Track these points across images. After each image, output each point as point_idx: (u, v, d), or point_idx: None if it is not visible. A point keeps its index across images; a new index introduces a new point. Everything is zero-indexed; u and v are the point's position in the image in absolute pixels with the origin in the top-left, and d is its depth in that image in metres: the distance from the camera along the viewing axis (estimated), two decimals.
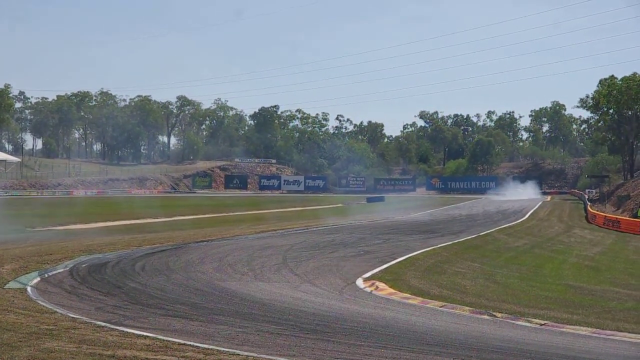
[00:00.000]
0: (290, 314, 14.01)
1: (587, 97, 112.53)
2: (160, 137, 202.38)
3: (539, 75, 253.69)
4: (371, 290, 17.99)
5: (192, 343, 10.81)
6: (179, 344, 10.76)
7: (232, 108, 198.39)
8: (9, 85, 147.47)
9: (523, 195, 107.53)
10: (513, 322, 14.23)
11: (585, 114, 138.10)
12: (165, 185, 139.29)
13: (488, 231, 38.73)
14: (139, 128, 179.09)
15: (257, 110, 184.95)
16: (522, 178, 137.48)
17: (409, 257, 25.09)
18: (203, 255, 24.39)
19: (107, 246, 27.18)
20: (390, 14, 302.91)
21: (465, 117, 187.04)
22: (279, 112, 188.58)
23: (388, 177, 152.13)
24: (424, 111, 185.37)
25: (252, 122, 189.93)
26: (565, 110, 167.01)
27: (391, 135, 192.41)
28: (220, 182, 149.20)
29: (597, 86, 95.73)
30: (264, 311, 14.29)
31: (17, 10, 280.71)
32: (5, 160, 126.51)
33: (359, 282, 19.23)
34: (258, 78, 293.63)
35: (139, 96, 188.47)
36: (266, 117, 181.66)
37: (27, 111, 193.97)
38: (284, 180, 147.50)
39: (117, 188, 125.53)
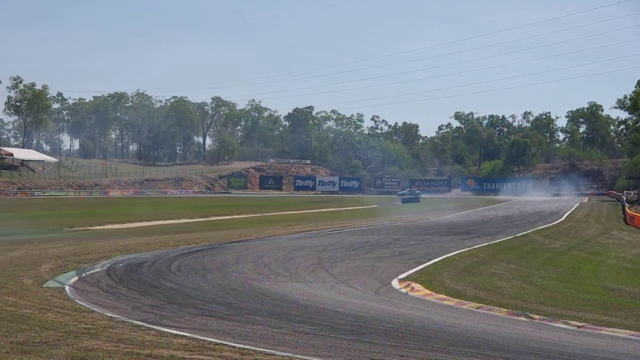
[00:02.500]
0: (325, 314, 13.98)
1: (625, 97, 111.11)
2: (195, 138, 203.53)
3: (576, 76, 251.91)
4: (407, 291, 17.91)
5: (228, 343, 10.82)
6: (215, 343, 10.77)
7: (266, 109, 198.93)
8: (47, 86, 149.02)
9: (560, 196, 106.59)
10: (550, 324, 14.09)
11: (623, 115, 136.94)
12: (201, 186, 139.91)
13: (524, 232, 38.42)
14: (175, 129, 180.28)
15: (291, 111, 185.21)
16: (559, 179, 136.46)
17: (445, 258, 24.95)
18: (238, 256, 24.44)
19: (144, 246, 27.34)
20: (426, 14, 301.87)
21: (501, 117, 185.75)
22: (313, 113, 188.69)
23: (423, 178, 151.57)
24: (460, 112, 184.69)
25: (286, 123, 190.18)
26: (602, 111, 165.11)
27: (426, 136, 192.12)
28: (255, 182, 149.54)
29: (636, 87, 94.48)
30: (300, 311, 14.28)
31: (55, 12, 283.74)
32: (43, 161, 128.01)
33: (395, 283, 19.16)
34: (293, 79, 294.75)
35: (174, 97, 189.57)
36: (301, 118, 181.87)
37: (64, 112, 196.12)
38: (319, 181, 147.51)
39: (153, 188, 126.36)
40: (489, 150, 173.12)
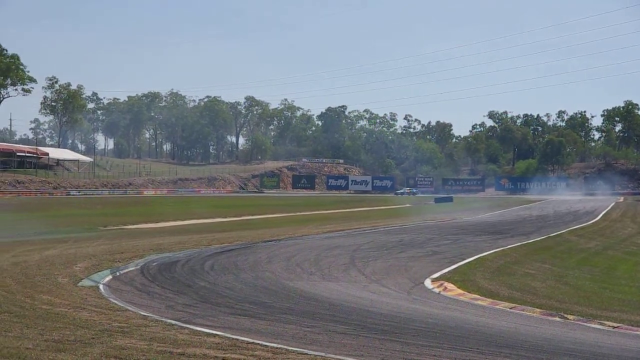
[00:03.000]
0: (358, 314, 13.96)
1: None
2: (228, 137, 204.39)
3: (611, 75, 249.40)
4: (440, 291, 17.84)
5: (260, 342, 10.83)
6: (248, 342, 10.78)
7: (299, 108, 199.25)
8: (82, 86, 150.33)
9: (595, 196, 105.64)
10: (585, 324, 13.97)
11: None
12: (234, 185, 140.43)
13: (559, 232, 38.10)
14: (208, 128, 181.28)
15: (324, 110, 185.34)
16: (594, 179, 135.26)
17: (478, 257, 24.82)
18: (271, 255, 24.48)
19: (177, 245, 27.48)
20: (460, 13, 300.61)
21: (535, 116, 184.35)
22: (346, 112, 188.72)
23: (456, 177, 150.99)
24: (493, 111, 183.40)
25: (319, 122, 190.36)
26: (638, 109, 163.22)
27: (460, 135, 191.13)
28: (287, 182, 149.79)
29: None
30: (332, 311, 14.27)
31: (89, 11, 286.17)
32: (78, 160, 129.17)
33: (427, 283, 19.10)
34: (326, 78, 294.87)
35: (207, 97, 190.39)
36: (333, 117, 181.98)
37: (99, 112, 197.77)
38: (352, 180, 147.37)
39: (187, 188, 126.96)
40: (523, 150, 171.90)
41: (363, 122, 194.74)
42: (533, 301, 16.38)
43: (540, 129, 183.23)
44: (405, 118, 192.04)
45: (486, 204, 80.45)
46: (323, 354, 10.17)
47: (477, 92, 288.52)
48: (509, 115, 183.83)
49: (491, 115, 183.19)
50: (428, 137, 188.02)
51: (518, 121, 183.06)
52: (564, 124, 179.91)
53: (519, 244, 30.32)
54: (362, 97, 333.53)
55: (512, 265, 22.76)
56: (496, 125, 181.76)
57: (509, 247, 28.80)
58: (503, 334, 12.49)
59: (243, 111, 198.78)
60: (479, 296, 17.00)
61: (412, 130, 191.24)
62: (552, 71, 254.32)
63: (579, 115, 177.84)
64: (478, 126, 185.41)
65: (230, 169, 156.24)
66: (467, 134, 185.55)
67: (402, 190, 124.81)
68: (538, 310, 15.30)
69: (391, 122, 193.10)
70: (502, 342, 11.69)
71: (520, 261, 24.03)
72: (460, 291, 17.73)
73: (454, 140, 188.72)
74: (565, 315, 14.73)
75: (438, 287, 18.38)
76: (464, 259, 24.20)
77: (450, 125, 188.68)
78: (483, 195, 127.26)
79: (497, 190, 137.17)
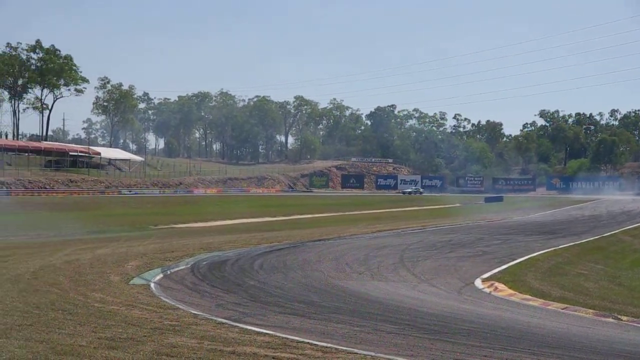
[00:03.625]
0: (408, 313, 13.90)
1: None
2: (277, 137, 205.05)
3: None
4: (490, 291, 17.71)
5: (310, 341, 10.83)
6: (298, 341, 10.79)
7: (348, 107, 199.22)
8: (133, 86, 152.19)
9: None
10: (639, 325, 13.76)
11: None
12: (283, 185, 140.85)
13: (612, 232, 37.54)
14: (257, 128, 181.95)
15: (373, 110, 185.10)
16: None
17: (529, 258, 24.57)
18: (320, 254, 24.50)
19: (227, 244, 27.62)
20: (508, 11, 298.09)
21: (587, 115, 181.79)
22: (395, 112, 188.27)
23: (507, 176, 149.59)
24: (545, 110, 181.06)
25: (368, 121, 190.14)
26: None
27: (510, 135, 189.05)
28: (337, 181, 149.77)
29: None
30: (382, 310, 14.23)
31: (139, 13, 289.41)
32: (129, 160, 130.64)
33: (478, 283, 18.97)
34: (375, 77, 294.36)
35: (257, 96, 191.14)
36: (383, 117, 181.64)
37: (150, 112, 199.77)
38: (401, 180, 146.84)
39: (236, 187, 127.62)
40: (575, 149, 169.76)
41: (412, 121, 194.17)
42: (585, 302, 16.17)
43: (592, 127, 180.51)
44: (454, 117, 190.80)
45: (537, 204, 79.64)
46: (372, 353, 10.14)
47: (528, 90, 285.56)
48: (561, 114, 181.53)
49: (542, 114, 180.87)
50: (478, 136, 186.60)
51: (570, 120, 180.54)
52: (617, 123, 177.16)
53: (571, 244, 29.94)
54: (412, 96, 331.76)
55: (564, 266, 22.49)
56: (547, 125, 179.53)
57: (560, 247, 28.46)
58: (555, 334, 12.35)
59: (292, 110, 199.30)
60: (530, 296, 16.83)
61: (461, 129, 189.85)
62: (604, 69, 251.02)
63: (633, 114, 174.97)
64: (529, 125, 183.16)
65: (279, 169, 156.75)
66: (518, 133, 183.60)
67: (409, 190, 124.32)
68: (591, 311, 15.10)
69: (441, 122, 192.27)
70: (554, 343, 11.55)
71: (573, 261, 23.74)
72: (511, 291, 17.58)
73: (505, 139, 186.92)
74: (619, 316, 14.51)
75: (488, 287, 18.24)
76: (515, 259, 23.97)
77: (501, 125, 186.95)
78: (534, 194, 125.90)
79: (548, 189, 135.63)
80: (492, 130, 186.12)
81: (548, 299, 16.45)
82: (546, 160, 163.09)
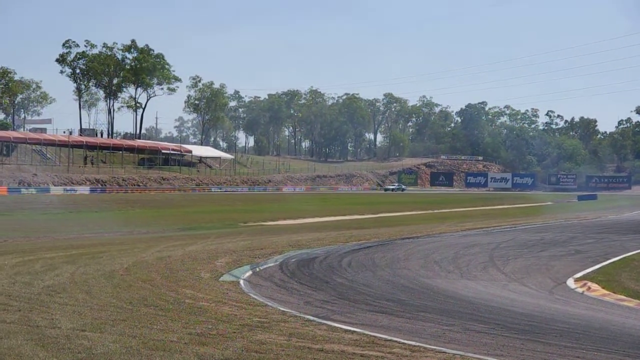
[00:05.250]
0: (498, 313, 13.73)
1: None
2: (366, 134, 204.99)
3: None
4: (583, 291, 17.34)
5: (398, 339, 10.79)
6: (386, 339, 10.76)
7: (437, 104, 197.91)
8: (224, 84, 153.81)
9: None
10: None
11: None
12: (371, 182, 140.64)
13: None
14: (347, 125, 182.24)
15: (463, 107, 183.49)
16: None
17: (624, 257, 23.99)
18: (408, 252, 24.39)
19: (315, 241, 27.71)
20: (601, 5, 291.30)
21: None
22: (486, 109, 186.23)
23: (601, 174, 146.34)
24: None
25: (458, 118, 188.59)
26: None
27: (605, 131, 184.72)
28: (425, 179, 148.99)
29: None
30: (471, 309, 14.08)
31: (232, 15, 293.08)
32: (219, 157, 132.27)
33: (570, 282, 18.60)
34: (465, 74, 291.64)
35: (346, 94, 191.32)
36: (473, 114, 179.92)
37: (240, 110, 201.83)
38: (491, 178, 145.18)
39: (325, 185, 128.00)
40: None
41: (504, 119, 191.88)
42: None
43: None
44: (547, 114, 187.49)
45: (633, 202, 77.81)
46: (462, 352, 10.06)
47: (623, 86, 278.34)
48: None
49: (639, 110, 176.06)
50: (571, 133, 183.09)
51: None
52: None
53: None
54: (503, 92, 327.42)
55: None
56: None
57: None
58: None
59: (381, 108, 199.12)
60: (625, 297, 16.42)
61: (554, 126, 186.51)
62: None
63: None
64: (624, 122, 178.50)
65: (368, 166, 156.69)
66: (613, 129, 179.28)
67: (392, 187, 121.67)
68: None
69: (533, 118, 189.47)
70: None
71: None
72: (604, 291, 17.18)
73: (599, 136, 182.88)
74: None
75: (581, 286, 17.86)
76: (609, 259, 23.45)
77: (595, 121, 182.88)
78: (629, 193, 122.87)
79: None
80: (586, 126, 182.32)
81: None
82: None
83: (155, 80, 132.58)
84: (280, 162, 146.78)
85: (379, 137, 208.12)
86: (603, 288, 17.58)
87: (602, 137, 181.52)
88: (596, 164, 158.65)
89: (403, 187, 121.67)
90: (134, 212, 53.67)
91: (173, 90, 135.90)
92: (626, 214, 54.66)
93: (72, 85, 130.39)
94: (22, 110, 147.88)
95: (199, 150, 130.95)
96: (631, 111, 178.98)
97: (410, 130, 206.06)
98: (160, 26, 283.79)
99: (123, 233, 34.90)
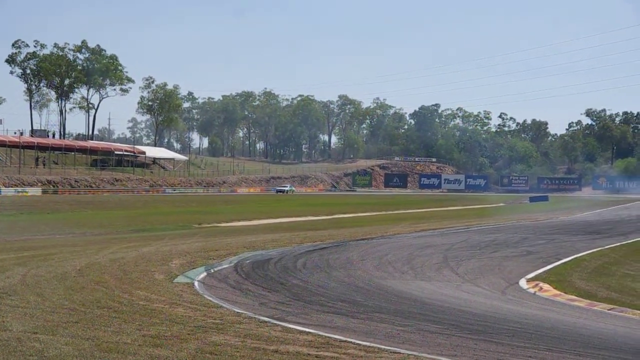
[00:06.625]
0: (451, 313, 13.84)
1: None
2: (321, 136, 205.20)
3: None
4: (535, 291, 17.55)
5: (353, 340, 10.83)
6: (341, 340, 10.80)
7: (391, 106, 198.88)
8: (178, 86, 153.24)
9: None
10: None
11: None
12: (326, 184, 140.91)
13: None
14: (301, 127, 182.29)
15: (417, 109, 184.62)
16: None
17: (575, 258, 24.32)
18: (363, 254, 24.46)
19: (270, 243, 27.70)
20: (553, 9, 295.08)
21: (635, 114, 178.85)
22: (439, 111, 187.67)
23: (552, 176, 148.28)
24: (591, 109, 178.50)
25: (412, 120, 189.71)
26: None
27: (556, 134, 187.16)
28: (380, 180, 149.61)
29: None
30: (425, 310, 14.18)
31: (182, 12, 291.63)
32: (173, 159, 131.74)
33: (522, 283, 18.82)
34: (419, 76, 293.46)
35: (300, 96, 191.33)
36: (426, 116, 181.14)
37: (194, 111, 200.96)
38: (445, 179, 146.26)
39: (279, 186, 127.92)
40: (622, 148, 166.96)
41: (457, 121, 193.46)
42: (633, 303, 15.95)
43: None
44: (499, 116, 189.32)
45: (583, 204, 78.88)
46: (416, 353, 10.12)
47: (574, 89, 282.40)
48: (608, 112, 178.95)
49: (589, 113, 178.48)
50: (523, 135, 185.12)
51: (617, 119, 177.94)
52: None
53: (617, 244, 29.58)
54: (456, 95, 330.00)
55: (611, 266, 22.22)
56: (594, 123, 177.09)
57: (607, 247, 28.12)
58: (602, 335, 12.21)
59: (336, 110, 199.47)
60: (576, 297, 16.65)
61: (506, 128, 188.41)
62: None
63: None
64: (575, 124, 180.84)
65: (323, 168, 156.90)
66: (564, 132, 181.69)
67: (285, 188, 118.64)
68: (638, 312, 14.91)
69: (485, 121, 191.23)
70: (600, 344, 11.43)
71: (620, 262, 23.44)
72: (556, 292, 17.40)
73: (550, 138, 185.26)
74: None
75: (533, 287, 18.08)
76: (560, 259, 23.75)
77: (546, 124, 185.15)
78: (580, 194, 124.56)
79: (594, 189, 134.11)
80: (537, 129, 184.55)
81: (594, 300, 16.26)
82: (592, 159, 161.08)
83: (107, 81, 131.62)
84: (235, 164, 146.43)
85: (334, 139, 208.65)
86: (555, 288, 17.81)
87: (553, 139, 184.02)
88: (547, 165, 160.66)
89: (293, 188, 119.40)
90: (87, 213, 53.20)
91: (126, 91, 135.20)
92: (577, 214, 55.38)
93: (23, 86, 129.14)
94: None
95: (153, 152, 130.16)
96: (581, 114, 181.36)
97: (365, 132, 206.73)
98: (109, 23, 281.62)
99: (75, 235, 34.56)
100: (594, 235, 34.51)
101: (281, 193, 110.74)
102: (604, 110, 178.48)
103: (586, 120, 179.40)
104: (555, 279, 19.29)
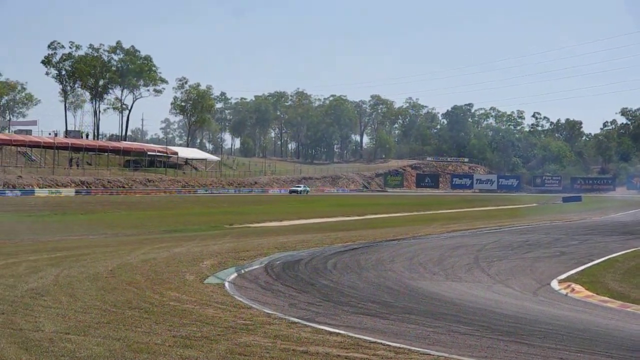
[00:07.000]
0: (482, 314, 13.76)
1: None
2: (353, 136, 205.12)
3: None
4: (567, 293, 17.39)
5: (383, 341, 10.80)
6: (370, 342, 10.77)
7: (424, 106, 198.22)
8: (211, 86, 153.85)
9: None
10: None
11: None
12: (357, 184, 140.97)
13: None
14: (333, 127, 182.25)
15: (449, 109, 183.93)
16: None
17: (608, 258, 24.08)
18: (394, 254, 24.40)
19: (300, 243, 27.70)
20: (589, 8, 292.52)
21: None
22: (472, 110, 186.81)
23: (585, 176, 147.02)
24: (626, 108, 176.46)
25: (444, 120, 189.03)
26: None
27: (590, 133, 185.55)
28: (411, 180, 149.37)
29: None
30: (456, 311, 14.10)
31: (218, 13, 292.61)
32: (205, 159, 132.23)
33: (554, 284, 18.66)
34: (451, 76, 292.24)
35: (332, 96, 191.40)
36: (459, 116, 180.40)
37: (227, 111, 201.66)
38: (477, 179, 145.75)
39: (311, 186, 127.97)
40: None
41: (489, 120, 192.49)
42: None
43: None
44: (533, 116, 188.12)
45: (617, 204, 78.18)
46: (446, 354, 10.08)
47: (608, 88, 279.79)
48: None
49: (624, 112, 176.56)
50: (557, 135, 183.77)
51: None
52: None
53: None
54: (489, 94, 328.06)
55: None
56: (629, 123, 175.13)
57: None
58: (635, 337, 12.07)
59: (368, 110, 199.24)
60: (608, 298, 16.48)
61: (540, 128, 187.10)
62: None
63: None
64: (609, 124, 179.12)
65: (354, 168, 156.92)
66: (598, 131, 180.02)
67: (299, 189, 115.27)
68: None
69: (519, 120, 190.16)
70: (633, 346, 11.29)
71: None
72: (588, 293, 17.23)
73: (584, 138, 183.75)
74: None
75: (565, 288, 17.92)
76: (593, 260, 23.54)
77: (580, 123, 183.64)
78: (614, 194, 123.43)
79: (628, 189, 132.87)
80: (571, 128, 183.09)
81: (627, 301, 16.08)
82: (627, 159, 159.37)
83: (141, 82, 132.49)
84: (267, 164, 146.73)
85: (365, 139, 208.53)
86: (587, 289, 17.63)
87: (587, 138, 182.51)
88: (581, 165, 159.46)
89: (307, 189, 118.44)
90: (119, 214, 53.52)
91: (159, 92, 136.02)
92: (611, 215, 54.91)
93: (58, 87, 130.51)
94: (7, 111, 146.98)
95: (185, 152, 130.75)
96: (616, 113, 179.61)
97: (397, 132, 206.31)
98: (144, 24, 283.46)
99: (108, 235, 34.76)
100: (627, 235, 34.14)
101: (295, 194, 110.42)
102: (639, 109, 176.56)
103: (621, 120, 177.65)
104: (587, 280, 19.11)
